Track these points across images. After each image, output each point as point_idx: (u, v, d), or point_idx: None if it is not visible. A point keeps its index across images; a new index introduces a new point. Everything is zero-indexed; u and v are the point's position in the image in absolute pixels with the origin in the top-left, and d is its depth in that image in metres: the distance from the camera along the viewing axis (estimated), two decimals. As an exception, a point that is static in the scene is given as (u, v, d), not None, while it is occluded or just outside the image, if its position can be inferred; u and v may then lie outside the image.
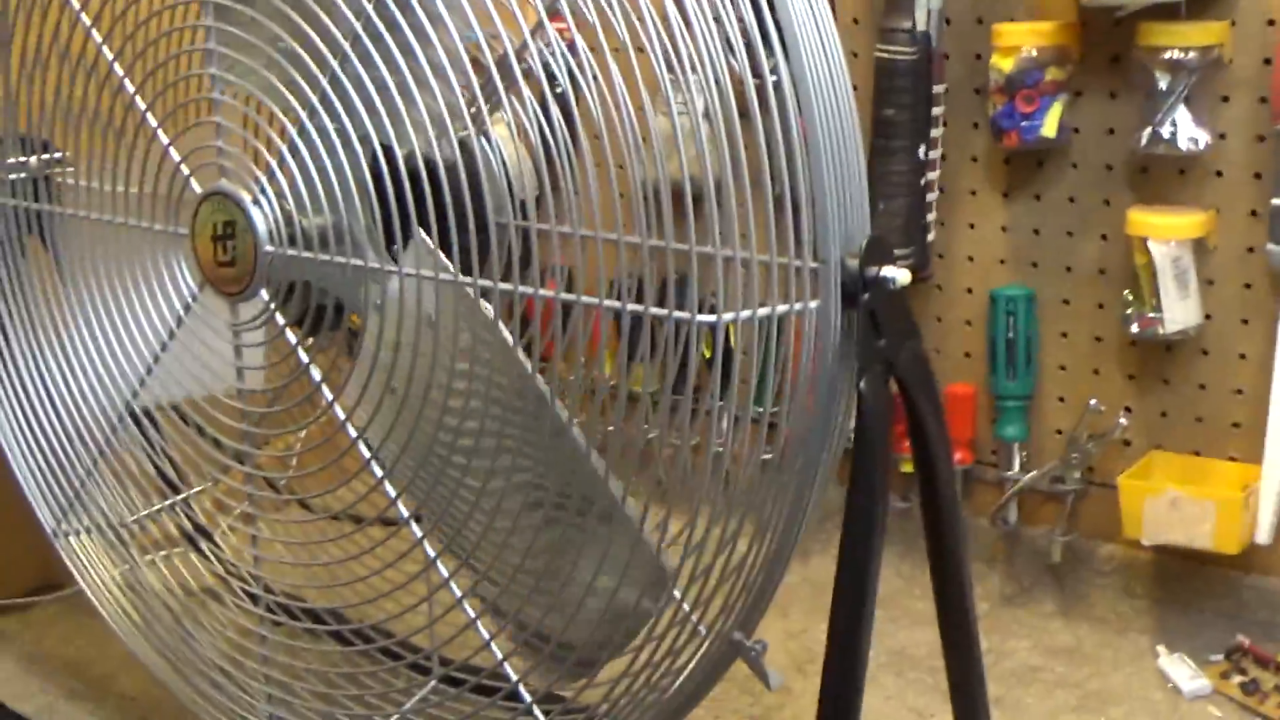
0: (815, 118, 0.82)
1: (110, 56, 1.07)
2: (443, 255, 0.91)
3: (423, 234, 0.92)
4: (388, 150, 0.92)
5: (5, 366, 1.23)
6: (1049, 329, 1.49)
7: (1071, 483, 1.47)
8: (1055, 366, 1.50)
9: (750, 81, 0.81)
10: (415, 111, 0.91)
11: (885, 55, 1.42)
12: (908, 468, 1.37)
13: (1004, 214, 1.50)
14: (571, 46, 0.85)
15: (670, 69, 0.82)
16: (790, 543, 0.88)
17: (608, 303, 0.86)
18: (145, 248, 1.10)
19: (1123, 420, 1.44)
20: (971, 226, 1.52)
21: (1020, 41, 1.39)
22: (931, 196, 1.48)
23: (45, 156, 1.17)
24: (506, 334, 0.91)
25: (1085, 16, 1.38)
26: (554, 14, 0.87)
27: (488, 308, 0.91)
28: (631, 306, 0.86)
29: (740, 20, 0.82)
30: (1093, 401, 1.45)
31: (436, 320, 0.93)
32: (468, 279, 0.91)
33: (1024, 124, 1.40)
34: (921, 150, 1.44)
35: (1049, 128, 1.40)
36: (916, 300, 1.54)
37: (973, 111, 1.48)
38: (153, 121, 1.06)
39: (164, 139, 1.06)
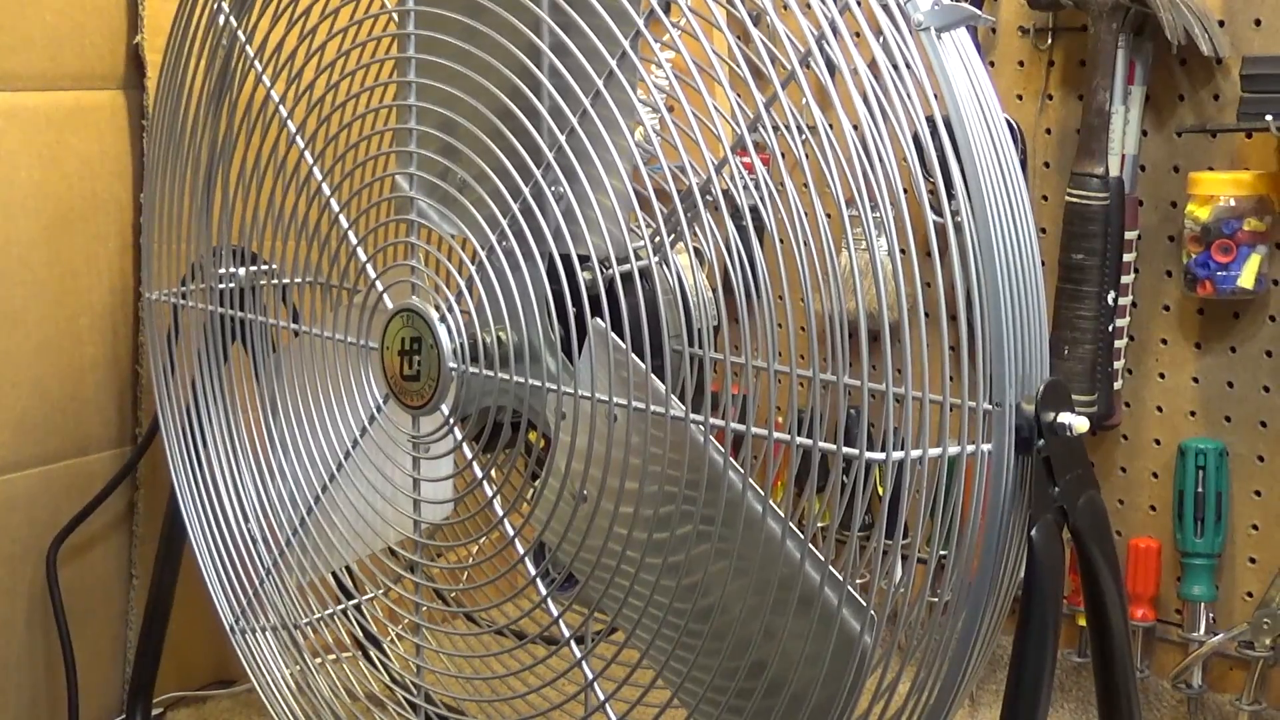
0: (995, 260, 0.82)
1: (320, 177, 1.12)
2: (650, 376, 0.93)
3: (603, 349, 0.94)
4: (570, 273, 0.95)
5: (202, 465, 1.28)
6: (1241, 486, 1.43)
7: (1261, 649, 1.40)
8: (1247, 525, 1.43)
9: (931, 221, 0.81)
10: (599, 238, 0.93)
11: (1075, 200, 1.40)
12: (1085, 621, 1.32)
13: (1196, 365, 1.45)
14: (757, 182, 0.87)
15: (851, 205, 0.83)
16: (952, 693, 0.86)
17: (778, 435, 0.87)
18: (338, 358, 1.14)
19: (1319, 586, 1.38)
20: (1162, 376, 1.48)
21: (1218, 191, 1.36)
22: (1120, 344, 1.45)
23: (254, 268, 1.23)
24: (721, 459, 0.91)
25: (1287, 167, 1.35)
26: (740, 149, 0.90)
27: (709, 445, 0.92)
28: (801, 440, 0.86)
29: (924, 161, 0.82)
30: (1287, 564, 1.39)
31: (609, 440, 0.94)
32: (640, 403, 0.92)
33: (1219, 274, 1.36)
34: (1110, 296, 1.41)
35: (1246, 279, 1.36)
36: (1101, 449, 1.50)
37: (1166, 259, 1.45)
38: (353, 239, 1.11)
39: (362, 256, 1.11)
